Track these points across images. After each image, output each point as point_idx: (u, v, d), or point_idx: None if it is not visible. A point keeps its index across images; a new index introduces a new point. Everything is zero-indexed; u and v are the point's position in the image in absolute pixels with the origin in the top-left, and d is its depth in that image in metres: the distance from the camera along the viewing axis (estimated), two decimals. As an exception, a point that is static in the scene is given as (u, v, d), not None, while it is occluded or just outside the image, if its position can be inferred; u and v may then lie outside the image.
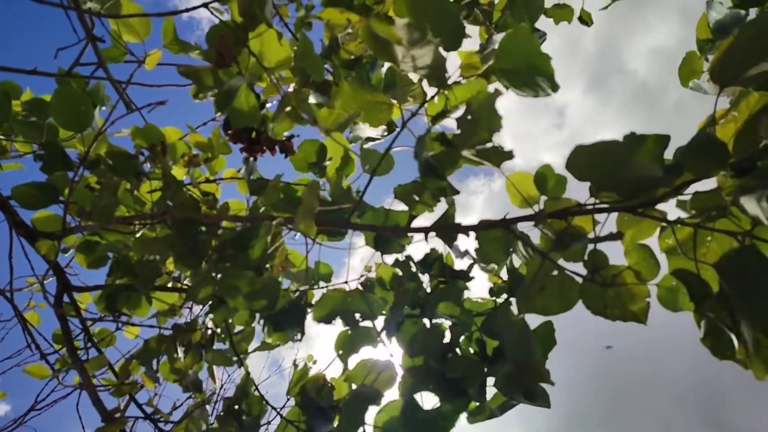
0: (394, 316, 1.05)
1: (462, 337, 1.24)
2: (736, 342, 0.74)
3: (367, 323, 1.25)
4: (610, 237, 0.88)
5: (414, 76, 1.32)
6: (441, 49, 0.87)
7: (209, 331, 1.35)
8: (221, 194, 1.54)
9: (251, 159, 1.33)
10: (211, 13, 1.43)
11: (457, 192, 0.96)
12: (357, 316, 1.07)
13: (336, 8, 1.62)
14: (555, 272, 0.89)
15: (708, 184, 0.85)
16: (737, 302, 0.71)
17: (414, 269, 1.16)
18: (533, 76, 0.86)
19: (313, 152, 1.45)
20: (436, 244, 1.20)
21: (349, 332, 1.28)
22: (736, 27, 1.40)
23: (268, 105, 1.57)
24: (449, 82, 1.06)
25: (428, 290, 1.21)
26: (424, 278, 1.24)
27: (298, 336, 1.09)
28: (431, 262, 1.23)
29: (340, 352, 1.26)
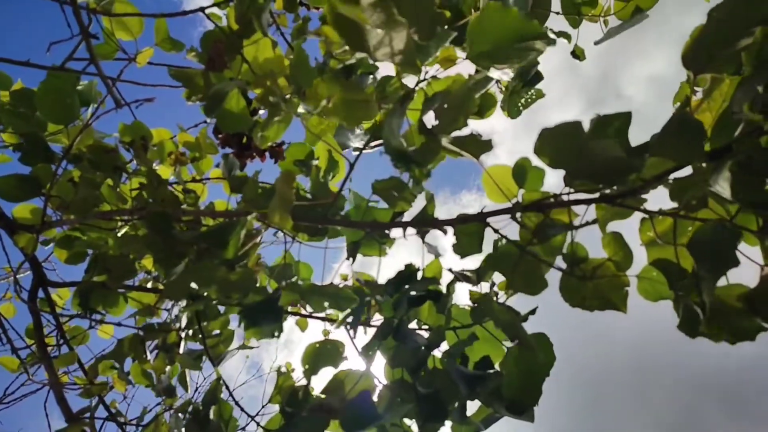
0: (358, 311, 1.00)
1: (444, 349, 1.19)
2: (701, 315, 0.71)
3: (336, 338, 1.22)
4: (586, 224, 0.85)
5: (391, 70, 1.31)
6: (415, 36, 0.86)
7: (183, 333, 1.31)
8: (207, 195, 1.54)
9: (230, 155, 1.33)
10: (207, 18, 1.47)
11: (429, 173, 0.94)
12: (326, 304, 1.03)
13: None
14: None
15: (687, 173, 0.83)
16: (703, 274, 0.68)
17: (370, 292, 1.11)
18: (519, 44, 0.80)
19: (300, 154, 1.45)
20: (414, 259, 1.15)
21: (317, 346, 1.24)
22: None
23: (261, 111, 1.58)
24: (428, 76, 1.06)
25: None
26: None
27: (276, 333, 1.05)
28: (404, 278, 1.16)
29: (306, 366, 1.22)
